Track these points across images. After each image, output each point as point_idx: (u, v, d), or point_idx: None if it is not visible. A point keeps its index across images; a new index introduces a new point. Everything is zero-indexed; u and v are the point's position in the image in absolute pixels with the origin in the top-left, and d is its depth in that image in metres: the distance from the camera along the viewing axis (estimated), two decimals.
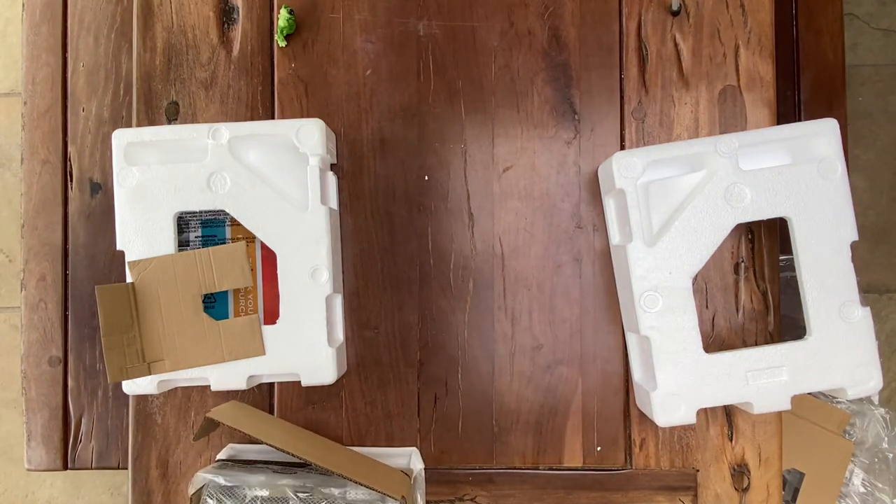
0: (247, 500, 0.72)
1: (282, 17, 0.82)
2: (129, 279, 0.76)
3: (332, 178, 0.82)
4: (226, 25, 0.86)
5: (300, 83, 0.85)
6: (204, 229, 0.83)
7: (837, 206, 0.73)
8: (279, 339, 0.76)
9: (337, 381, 0.78)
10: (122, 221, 0.77)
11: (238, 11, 0.86)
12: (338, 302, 0.81)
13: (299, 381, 0.76)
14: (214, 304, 0.82)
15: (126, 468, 0.87)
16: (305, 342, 0.76)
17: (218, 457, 0.81)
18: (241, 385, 0.76)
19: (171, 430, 0.84)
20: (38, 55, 1.10)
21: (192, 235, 0.83)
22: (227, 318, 0.81)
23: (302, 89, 0.85)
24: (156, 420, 0.85)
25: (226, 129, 0.76)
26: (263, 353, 0.76)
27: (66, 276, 1.08)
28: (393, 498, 0.71)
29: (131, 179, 0.77)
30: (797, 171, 0.74)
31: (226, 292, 0.82)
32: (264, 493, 0.73)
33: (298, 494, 0.72)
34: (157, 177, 0.77)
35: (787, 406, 0.74)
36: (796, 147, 0.76)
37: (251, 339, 0.76)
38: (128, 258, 0.77)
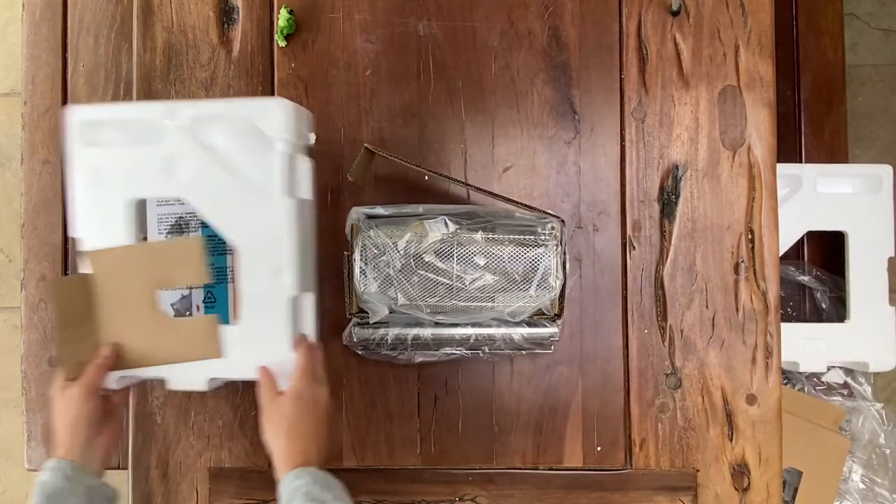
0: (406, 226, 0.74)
1: (282, 17, 0.82)
2: (84, 269, 0.71)
3: (304, 165, 0.73)
4: (226, 25, 0.86)
5: (300, 83, 0.85)
6: (204, 229, 0.83)
7: None
8: (239, 341, 0.71)
9: (337, 380, 0.78)
10: (76, 207, 0.70)
11: (238, 11, 0.86)
12: (308, 301, 0.74)
13: None
14: (215, 304, 0.82)
15: (126, 468, 0.87)
16: (267, 345, 0.70)
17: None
18: (202, 386, 0.72)
19: (171, 430, 0.84)
20: (38, 55, 1.10)
21: (192, 235, 0.82)
22: (227, 317, 0.81)
23: (302, 89, 0.85)
24: (156, 420, 0.85)
25: (186, 109, 0.70)
26: (220, 356, 0.71)
27: (66, 276, 1.08)
28: (554, 216, 0.75)
29: (88, 161, 0.70)
30: None
31: (226, 289, 0.82)
32: (419, 209, 0.75)
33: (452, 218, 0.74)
34: (116, 160, 0.70)
35: None
36: None
37: (207, 340, 0.71)
38: (82, 247, 0.71)
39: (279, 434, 0.66)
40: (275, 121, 0.69)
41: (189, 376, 0.72)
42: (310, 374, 0.69)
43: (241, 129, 0.71)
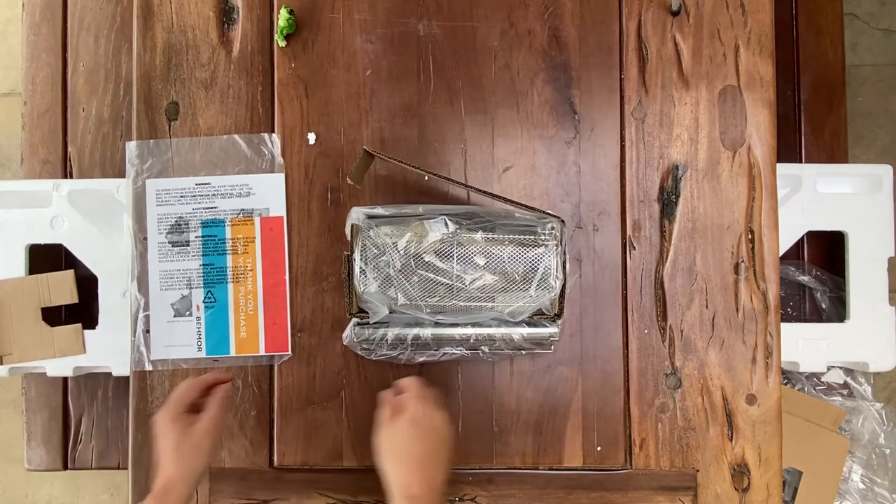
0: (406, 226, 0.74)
1: (282, 17, 0.82)
2: None
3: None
4: (226, 25, 0.86)
5: (300, 83, 0.85)
6: (203, 229, 0.83)
7: None
8: (97, 341, 0.99)
9: (337, 380, 0.78)
10: None
11: (238, 11, 0.86)
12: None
13: (298, 382, 0.77)
14: (215, 304, 0.82)
15: (126, 468, 0.87)
16: (116, 344, 0.98)
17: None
18: (69, 373, 1.00)
19: None
20: (38, 55, 1.10)
21: (192, 236, 0.83)
22: (226, 315, 0.82)
23: (302, 89, 0.85)
24: None
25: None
26: (83, 353, 1.00)
27: None
28: (554, 216, 0.75)
29: None
30: None
31: (225, 289, 0.82)
32: (419, 209, 0.75)
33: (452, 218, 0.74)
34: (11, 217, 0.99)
35: None
36: None
37: (74, 342, 1.00)
38: None
39: (389, 458, 0.68)
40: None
41: (61, 366, 1.00)
42: (425, 399, 0.70)
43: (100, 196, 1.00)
